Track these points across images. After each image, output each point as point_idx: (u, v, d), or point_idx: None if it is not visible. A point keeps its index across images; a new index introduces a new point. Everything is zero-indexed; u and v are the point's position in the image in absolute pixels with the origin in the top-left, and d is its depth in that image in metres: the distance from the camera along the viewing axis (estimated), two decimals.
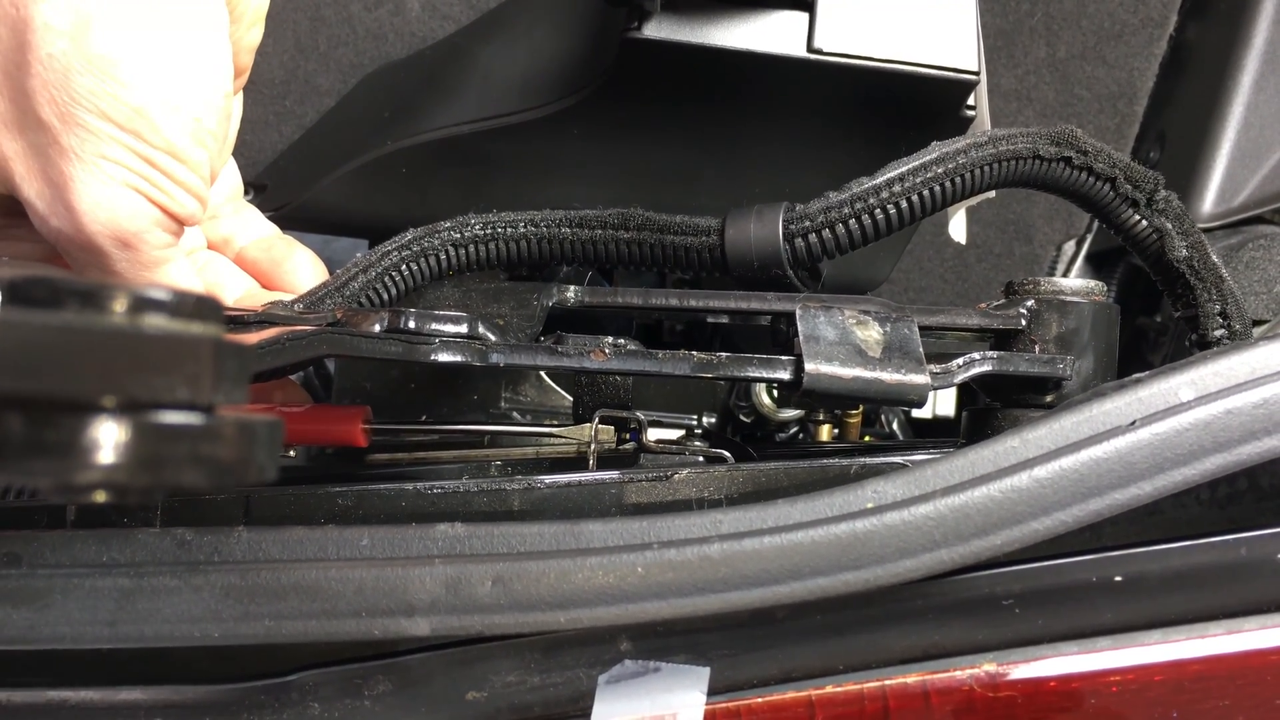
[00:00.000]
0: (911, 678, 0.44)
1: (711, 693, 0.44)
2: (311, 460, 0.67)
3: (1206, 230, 0.82)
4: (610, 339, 0.45)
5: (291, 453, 0.57)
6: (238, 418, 0.25)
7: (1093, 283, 0.48)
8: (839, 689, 0.44)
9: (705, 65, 0.55)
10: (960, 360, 0.46)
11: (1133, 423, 0.40)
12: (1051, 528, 0.39)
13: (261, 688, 0.45)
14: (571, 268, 0.67)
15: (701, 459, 0.52)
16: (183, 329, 0.24)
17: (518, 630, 0.39)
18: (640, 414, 0.53)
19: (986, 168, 0.49)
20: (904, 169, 0.48)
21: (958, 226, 0.64)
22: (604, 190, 0.64)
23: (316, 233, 0.79)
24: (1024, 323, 0.48)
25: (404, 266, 0.52)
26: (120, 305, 0.23)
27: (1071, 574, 0.44)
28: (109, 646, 0.39)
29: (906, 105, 0.56)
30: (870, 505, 0.40)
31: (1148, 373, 0.42)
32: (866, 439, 0.82)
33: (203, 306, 0.24)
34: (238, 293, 0.57)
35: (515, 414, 0.65)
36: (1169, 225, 0.50)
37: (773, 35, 0.54)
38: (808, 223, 0.49)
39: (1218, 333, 0.50)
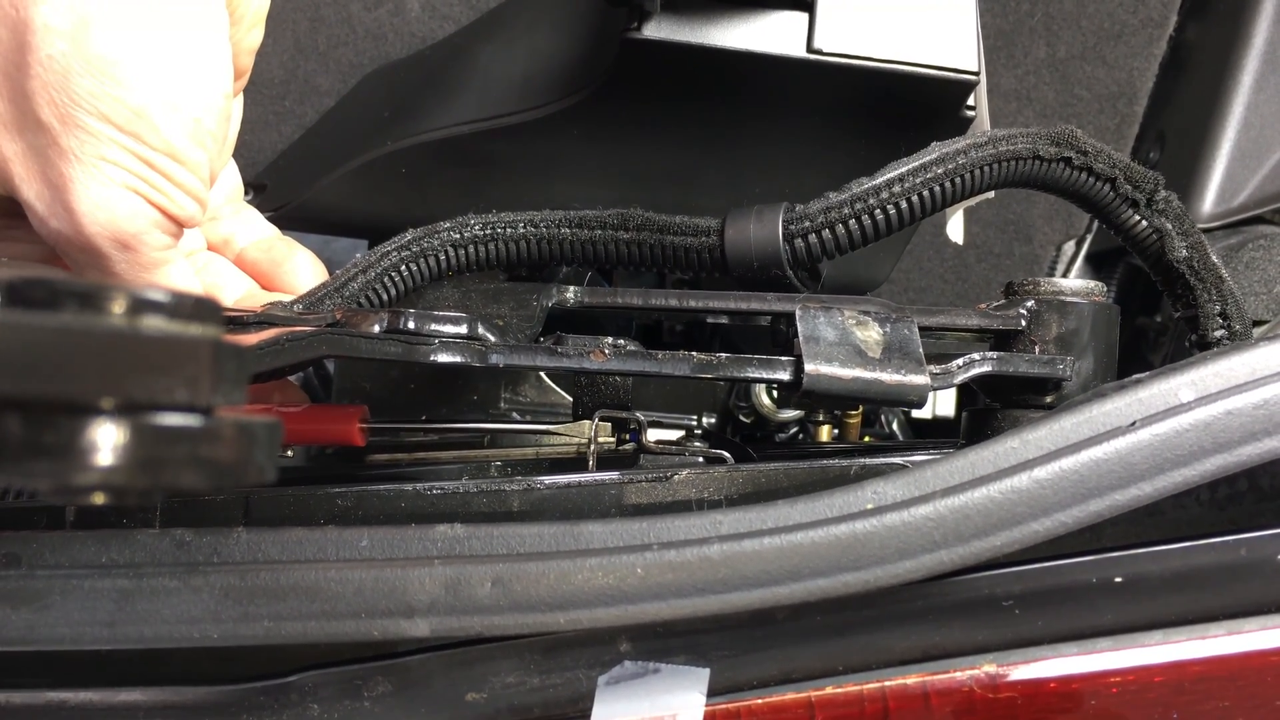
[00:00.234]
0: (911, 678, 0.44)
1: (711, 694, 0.44)
2: (311, 461, 0.67)
3: (1206, 230, 0.82)
4: (610, 339, 0.45)
5: (289, 453, 0.57)
6: (237, 419, 0.25)
7: (1092, 283, 0.48)
8: (839, 690, 0.44)
9: (705, 65, 0.55)
10: (960, 361, 0.46)
11: (1133, 423, 0.40)
12: (1051, 529, 0.39)
13: (261, 689, 0.45)
14: (571, 268, 0.67)
15: (701, 460, 0.52)
16: (181, 330, 0.24)
17: (517, 631, 0.39)
18: (640, 414, 0.53)
19: (986, 168, 0.49)
20: (904, 169, 0.48)
21: (955, 227, 0.64)
22: (604, 190, 0.64)
23: (316, 233, 0.79)
24: (1024, 323, 0.48)
25: (403, 267, 0.52)
26: (119, 307, 0.23)
27: (1072, 575, 0.44)
28: (108, 647, 0.39)
29: (906, 105, 0.56)
30: (870, 506, 0.40)
31: (1148, 373, 0.42)
32: (866, 439, 0.82)
33: (202, 308, 0.24)
34: (237, 294, 0.57)
35: (515, 414, 0.65)
36: (1169, 225, 0.50)
37: (772, 35, 0.54)
38: (807, 223, 0.49)
39: (1218, 333, 0.50)
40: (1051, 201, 1.00)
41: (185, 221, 0.46)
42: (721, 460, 0.51)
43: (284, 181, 0.75)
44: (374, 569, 0.39)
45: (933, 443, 0.68)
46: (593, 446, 0.52)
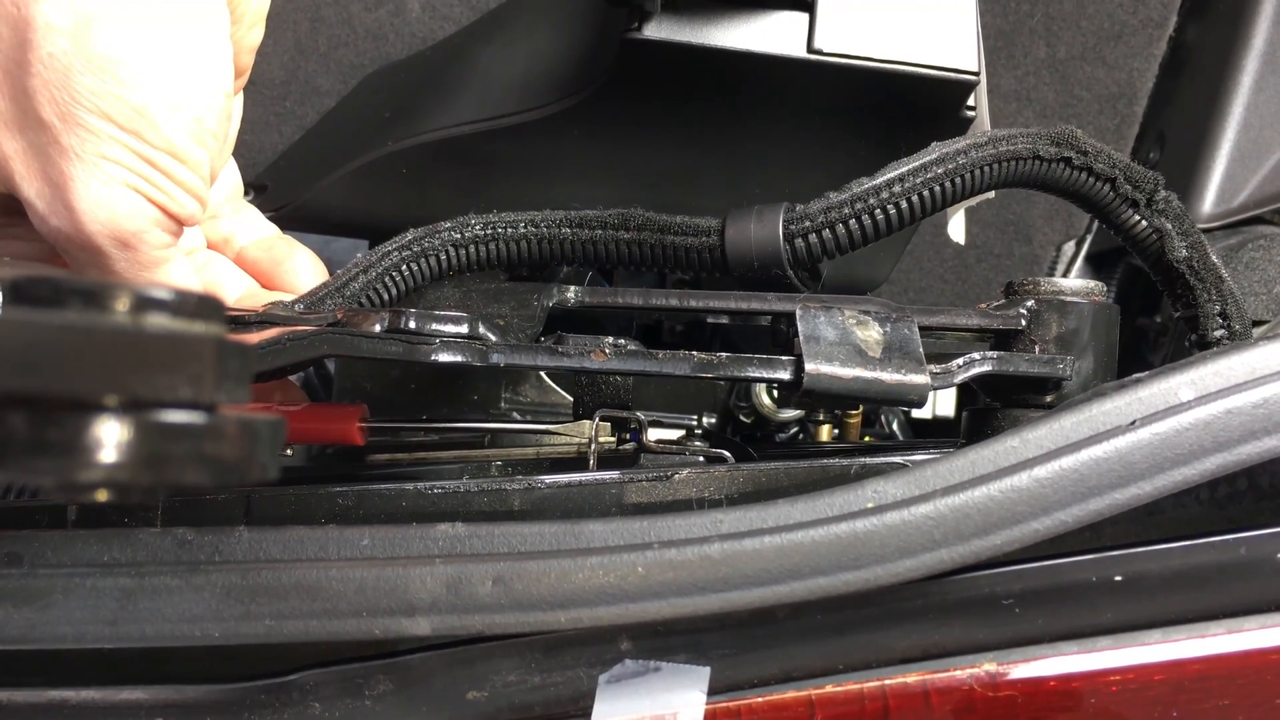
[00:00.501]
0: (911, 677, 0.44)
1: (712, 692, 0.44)
2: (312, 460, 0.67)
3: (1206, 231, 0.82)
4: (610, 339, 0.45)
5: (289, 451, 0.57)
6: (240, 416, 0.25)
7: (1092, 283, 0.49)
8: (839, 688, 0.44)
9: (705, 66, 0.55)
10: (960, 360, 0.46)
11: (1133, 423, 0.40)
12: (1051, 527, 0.39)
13: (262, 687, 0.45)
14: (572, 268, 0.67)
15: (702, 459, 0.52)
16: (185, 328, 0.24)
17: (518, 630, 0.39)
18: (640, 414, 0.53)
19: (986, 168, 0.49)
20: (904, 169, 0.48)
21: (956, 227, 0.65)
22: (604, 191, 0.64)
23: (317, 233, 0.79)
24: (1024, 323, 0.48)
25: (404, 267, 0.52)
26: (123, 304, 0.23)
27: (1071, 574, 0.44)
28: (110, 646, 0.39)
29: (906, 106, 0.56)
30: (870, 505, 0.40)
31: (1147, 373, 0.42)
32: (867, 439, 0.82)
33: (205, 306, 0.24)
34: (237, 292, 0.57)
35: (515, 414, 0.65)
36: (1169, 225, 0.50)
37: (773, 36, 0.54)
38: (808, 223, 0.49)
39: (1217, 333, 0.50)
40: (1052, 202, 1.00)
41: (186, 220, 0.46)
42: (722, 460, 0.51)
43: (285, 182, 0.75)
44: (375, 568, 0.39)
45: (933, 442, 0.68)
46: (593, 446, 0.52)
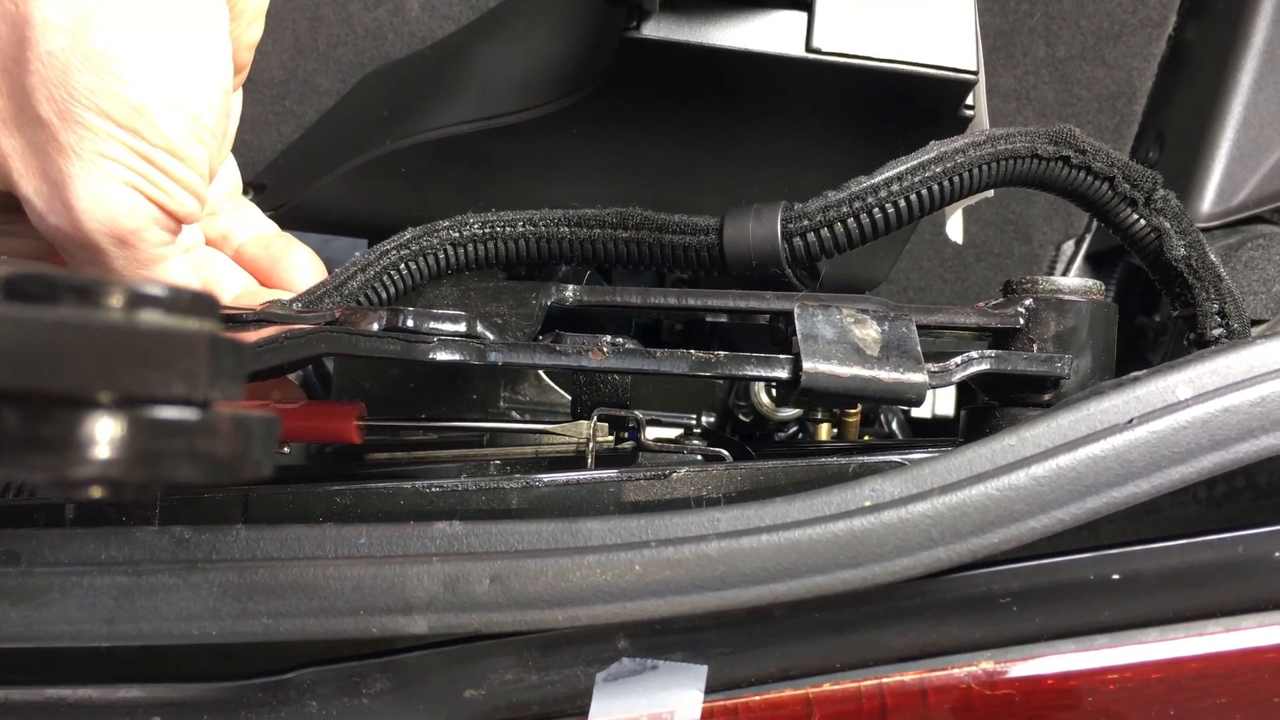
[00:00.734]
0: (909, 676, 0.44)
1: (709, 691, 0.44)
2: (311, 459, 0.67)
3: (1205, 230, 0.82)
4: (608, 338, 0.45)
5: (286, 449, 0.57)
6: (234, 413, 0.25)
7: (1091, 282, 0.49)
8: (836, 687, 0.44)
9: (704, 65, 0.55)
10: (958, 359, 0.46)
11: (1130, 421, 0.40)
12: (1049, 525, 0.39)
13: (260, 685, 0.45)
14: (570, 267, 0.67)
15: (699, 458, 0.52)
16: (179, 324, 0.24)
17: (515, 628, 0.39)
18: (639, 413, 0.53)
19: (985, 167, 0.49)
20: (902, 168, 0.48)
21: (954, 226, 0.65)
22: (603, 189, 0.64)
23: (315, 232, 0.79)
24: (1022, 322, 0.48)
25: (403, 265, 0.52)
26: (117, 301, 0.23)
27: (1069, 572, 0.44)
28: (107, 644, 0.39)
29: (905, 105, 0.56)
30: (868, 503, 0.40)
31: (1145, 371, 0.42)
32: (866, 438, 0.82)
33: (199, 302, 0.24)
34: (235, 290, 0.57)
35: (514, 413, 0.65)
36: (1167, 224, 0.50)
37: (771, 35, 0.54)
38: (806, 222, 0.49)
39: (1216, 332, 0.50)
40: (1051, 201, 1.00)
41: (184, 218, 0.46)
42: (720, 458, 0.51)
43: (283, 181, 0.75)
44: (372, 566, 0.39)
45: (931, 441, 0.68)
46: (591, 445, 0.52)
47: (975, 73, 0.55)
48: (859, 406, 0.74)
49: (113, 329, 0.23)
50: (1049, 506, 0.39)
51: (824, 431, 0.75)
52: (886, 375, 0.43)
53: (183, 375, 0.23)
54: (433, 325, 0.45)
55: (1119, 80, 0.97)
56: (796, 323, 0.44)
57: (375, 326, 0.45)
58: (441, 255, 0.52)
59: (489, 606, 0.38)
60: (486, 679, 0.44)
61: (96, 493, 0.23)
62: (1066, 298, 0.47)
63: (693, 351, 0.45)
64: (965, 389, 0.75)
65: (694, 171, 0.65)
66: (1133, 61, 0.96)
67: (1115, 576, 0.43)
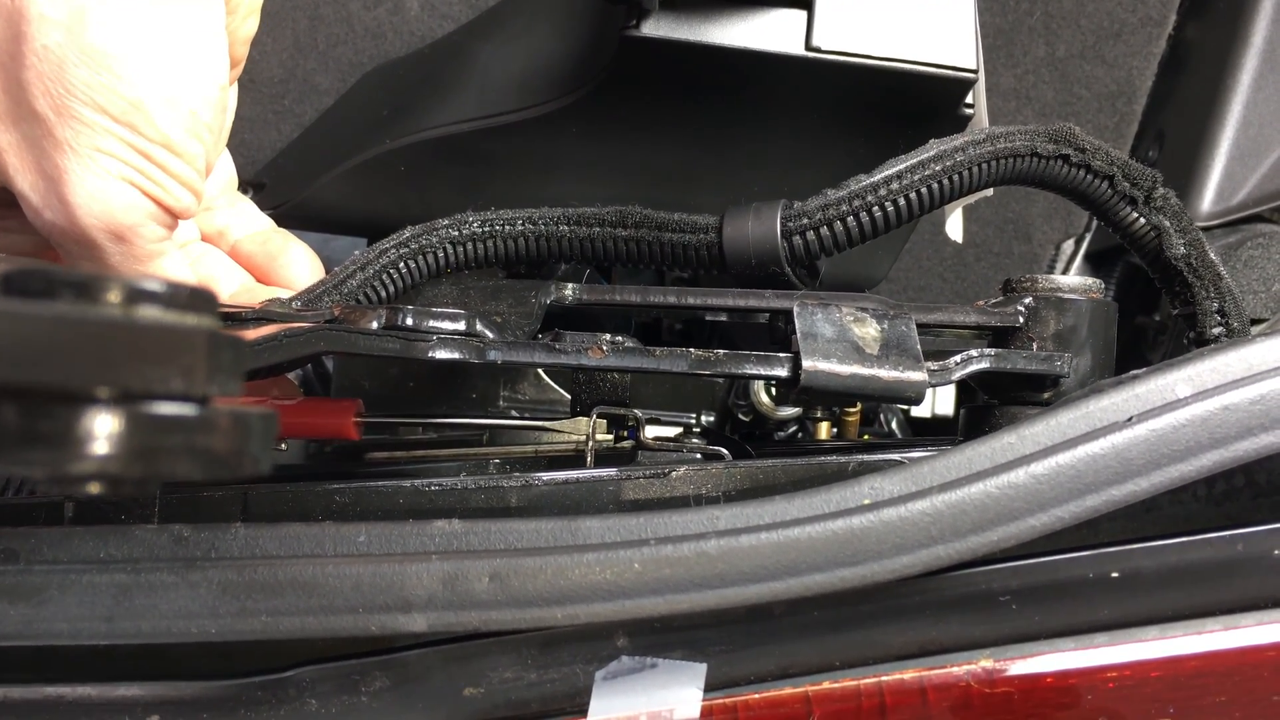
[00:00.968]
0: (908, 674, 0.44)
1: (708, 689, 0.44)
2: (310, 458, 0.67)
3: (1205, 229, 0.82)
4: (608, 336, 0.45)
5: (283, 445, 0.57)
6: (232, 409, 0.25)
7: (1090, 280, 0.48)
8: (836, 685, 0.44)
9: (704, 63, 0.55)
10: (958, 357, 0.46)
11: (1130, 419, 0.40)
12: (1048, 524, 0.39)
13: (259, 684, 0.45)
14: (569, 265, 0.67)
15: (699, 456, 0.52)
16: (177, 320, 0.24)
17: (515, 626, 0.39)
18: (638, 412, 0.53)
19: (984, 165, 0.49)
20: (902, 166, 0.48)
21: (954, 225, 0.65)
22: (602, 188, 0.64)
23: (315, 231, 0.78)
24: (1022, 320, 0.48)
25: (402, 264, 0.52)
26: (115, 296, 0.23)
27: (1068, 570, 0.44)
28: (106, 642, 0.39)
29: (905, 103, 0.56)
30: (867, 501, 0.40)
31: (1145, 369, 0.42)
32: (865, 437, 0.82)
33: (197, 298, 0.24)
34: (232, 286, 0.57)
35: (513, 412, 0.65)
36: (1167, 223, 0.50)
37: (771, 33, 0.54)
38: (806, 220, 0.49)
39: (1215, 330, 0.50)
40: (1051, 200, 1.00)
41: (180, 213, 0.46)
42: (719, 457, 0.51)
43: (283, 180, 0.75)
44: (371, 564, 0.39)
45: (931, 440, 0.68)
46: (591, 443, 0.52)
47: (975, 71, 0.55)
48: (858, 405, 0.74)
49: (111, 324, 0.23)
50: (1048, 505, 0.39)
51: (823, 430, 0.75)
52: (886, 374, 0.43)
53: (181, 371, 0.23)
54: (432, 324, 0.45)
55: (1119, 79, 0.97)
56: (796, 321, 0.44)
57: (374, 325, 0.45)
58: (441, 254, 0.52)
59: (488, 605, 0.38)
60: (486, 677, 0.44)
61: (95, 489, 0.23)
62: (1066, 296, 0.47)
63: (692, 350, 0.45)
64: (965, 387, 0.75)
65: (693, 170, 0.65)
66: (1133, 60, 0.96)
67: (1114, 575, 0.43)
